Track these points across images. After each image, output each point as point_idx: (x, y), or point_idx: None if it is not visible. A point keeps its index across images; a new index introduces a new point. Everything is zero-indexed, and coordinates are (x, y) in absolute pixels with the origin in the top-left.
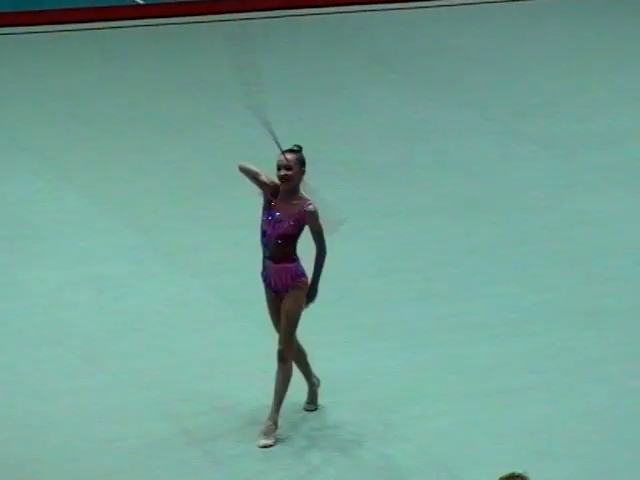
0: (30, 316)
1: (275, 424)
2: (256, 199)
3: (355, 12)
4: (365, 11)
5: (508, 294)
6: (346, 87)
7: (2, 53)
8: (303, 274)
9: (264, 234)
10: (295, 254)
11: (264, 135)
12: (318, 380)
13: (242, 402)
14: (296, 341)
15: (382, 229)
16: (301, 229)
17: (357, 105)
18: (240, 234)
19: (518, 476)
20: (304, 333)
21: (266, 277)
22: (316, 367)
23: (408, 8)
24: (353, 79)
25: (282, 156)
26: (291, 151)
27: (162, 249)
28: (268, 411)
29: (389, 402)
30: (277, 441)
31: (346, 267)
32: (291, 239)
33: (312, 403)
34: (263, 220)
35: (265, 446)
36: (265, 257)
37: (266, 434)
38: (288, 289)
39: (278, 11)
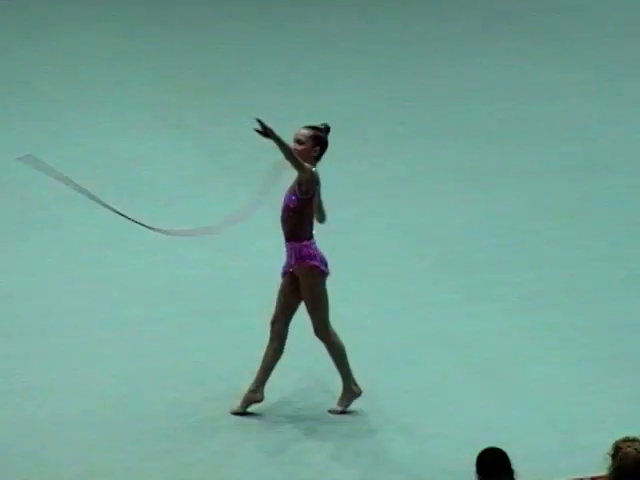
0: (152, 274)
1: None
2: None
3: None
4: None
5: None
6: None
7: (117, 8)
8: (312, 258)
9: None
10: (304, 234)
11: None
12: (359, 388)
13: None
14: (334, 335)
15: (488, 192)
16: (305, 203)
17: (471, 65)
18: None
19: (635, 440)
20: (420, 293)
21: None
22: (428, 327)
23: None
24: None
25: (299, 129)
26: (312, 127)
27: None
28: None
29: (500, 363)
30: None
31: (456, 229)
32: (294, 213)
33: (341, 405)
34: None
35: None
36: None
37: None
38: (296, 271)
39: None
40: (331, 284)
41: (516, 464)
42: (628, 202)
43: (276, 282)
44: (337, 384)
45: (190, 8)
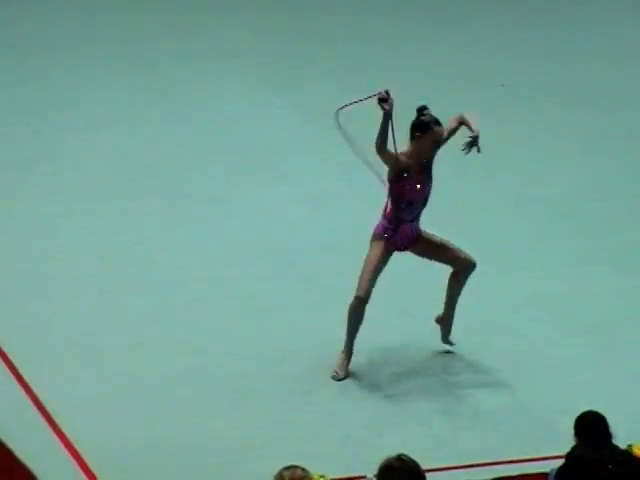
0: (248, 233)
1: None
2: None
3: None
4: None
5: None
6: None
7: None
8: (379, 227)
9: None
10: (387, 208)
11: None
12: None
13: None
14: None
15: (598, 153)
16: (393, 177)
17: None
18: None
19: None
20: (516, 255)
21: None
22: (526, 289)
23: None
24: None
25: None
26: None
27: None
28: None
29: (599, 326)
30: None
31: (564, 190)
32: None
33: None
34: None
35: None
36: None
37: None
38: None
39: None
40: None
41: (613, 427)
42: None
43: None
44: (431, 346)
45: None
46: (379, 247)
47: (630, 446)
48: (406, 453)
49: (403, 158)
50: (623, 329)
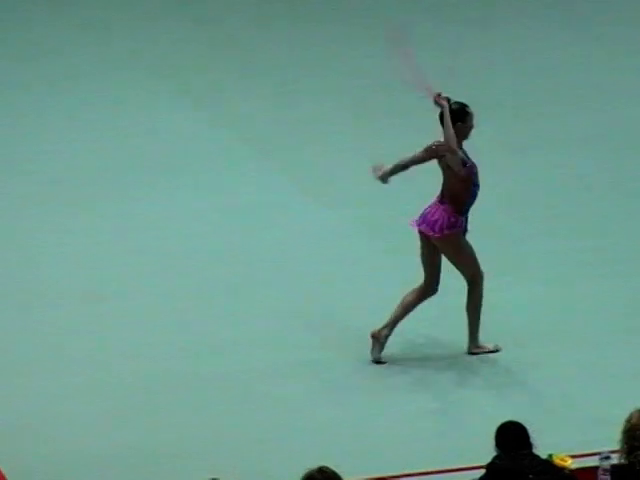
0: (167, 245)
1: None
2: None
3: None
4: None
5: None
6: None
7: None
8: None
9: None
10: (452, 202)
11: None
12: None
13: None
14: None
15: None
16: (459, 167)
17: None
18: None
19: None
20: None
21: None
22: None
23: None
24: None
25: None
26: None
27: (300, 180)
28: None
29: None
30: None
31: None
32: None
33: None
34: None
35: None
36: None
37: None
38: None
39: None
40: None
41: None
42: None
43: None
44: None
45: None
46: (462, 239)
47: (550, 456)
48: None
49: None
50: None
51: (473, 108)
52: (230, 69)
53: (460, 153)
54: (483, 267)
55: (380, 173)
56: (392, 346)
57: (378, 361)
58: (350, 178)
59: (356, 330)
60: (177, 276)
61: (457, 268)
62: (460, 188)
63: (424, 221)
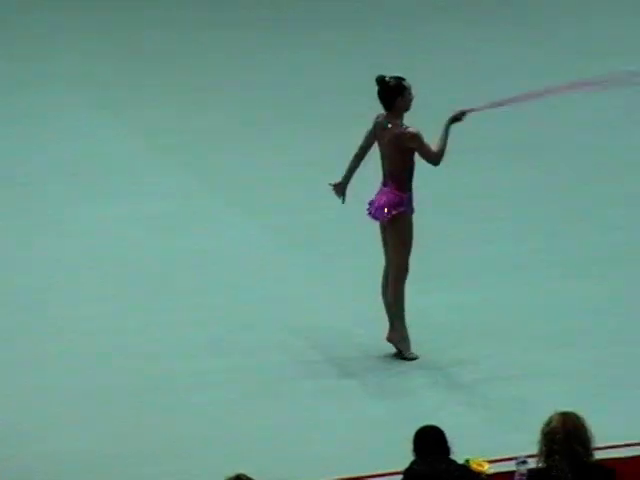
0: (89, 253)
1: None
2: (322, 136)
3: None
4: None
5: (581, 235)
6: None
7: None
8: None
9: None
10: (400, 183)
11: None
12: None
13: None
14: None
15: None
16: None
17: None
18: (303, 171)
19: (568, 412)
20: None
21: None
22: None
23: None
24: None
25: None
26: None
27: (220, 187)
28: None
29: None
30: None
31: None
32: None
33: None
34: None
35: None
36: None
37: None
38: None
39: None
40: None
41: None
42: None
43: None
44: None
45: None
46: (409, 224)
47: (467, 461)
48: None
49: None
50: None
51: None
52: (146, 78)
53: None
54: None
55: (337, 189)
56: (328, 349)
57: (412, 357)
58: (271, 186)
59: (279, 334)
60: (97, 284)
61: (390, 251)
62: (403, 166)
63: (374, 208)
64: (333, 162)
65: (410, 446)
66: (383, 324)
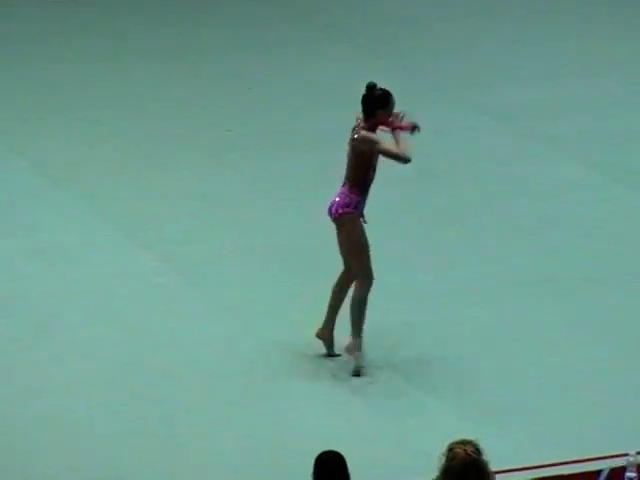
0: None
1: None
2: (213, 170)
3: None
4: None
5: (454, 264)
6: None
7: None
8: (348, 205)
9: None
10: (354, 185)
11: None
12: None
13: (193, 372)
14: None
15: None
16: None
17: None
18: (193, 205)
19: (468, 442)
20: None
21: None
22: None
23: None
24: (307, 50)
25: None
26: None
27: (113, 219)
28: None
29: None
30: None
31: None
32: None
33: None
34: None
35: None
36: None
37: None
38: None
39: None
40: None
41: None
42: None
43: None
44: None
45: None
46: (358, 226)
47: None
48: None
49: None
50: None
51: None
52: (39, 111)
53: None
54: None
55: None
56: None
57: (356, 372)
58: (163, 217)
59: (175, 364)
60: None
61: (345, 258)
62: (362, 169)
63: (329, 205)
64: (225, 194)
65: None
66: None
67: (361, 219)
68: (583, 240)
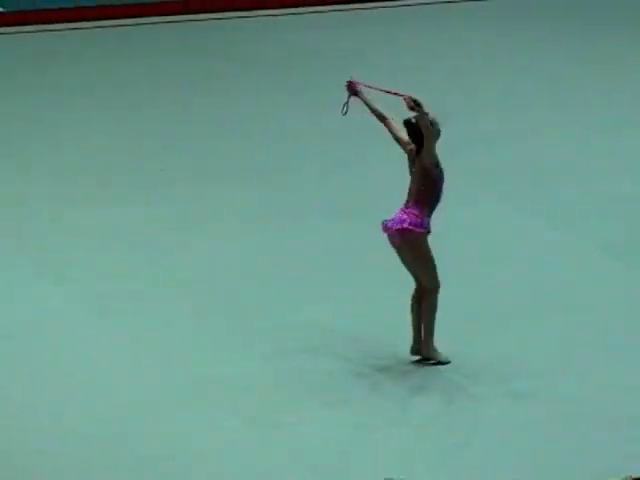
0: None
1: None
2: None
3: (229, 19)
4: (239, 17)
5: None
6: (222, 93)
7: None
8: (419, 224)
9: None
10: (421, 203)
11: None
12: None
13: (111, 415)
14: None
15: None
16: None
17: (228, 109)
18: (106, 242)
19: None
20: None
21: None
22: None
23: (281, 15)
24: (228, 84)
25: None
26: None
27: (29, 255)
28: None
29: None
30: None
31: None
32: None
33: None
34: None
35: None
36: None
37: None
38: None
39: (146, 18)
40: None
41: None
42: None
43: None
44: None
45: None
46: (426, 242)
47: None
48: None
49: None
50: None
51: None
52: None
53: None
54: None
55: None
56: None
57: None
58: (80, 253)
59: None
60: None
61: (415, 273)
62: (427, 189)
63: (391, 225)
64: (146, 230)
65: None
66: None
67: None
68: None
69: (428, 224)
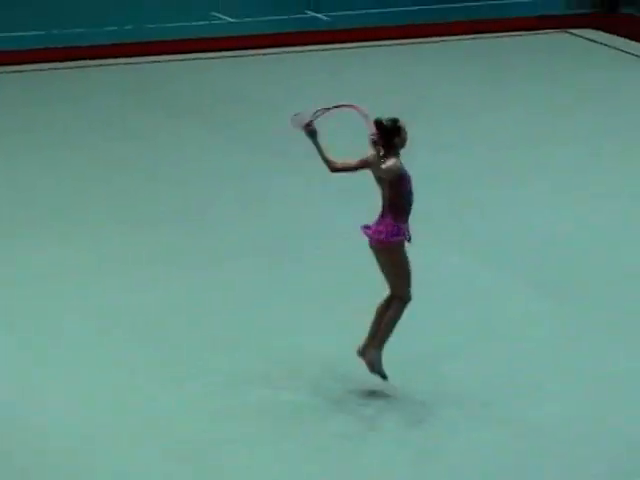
0: None
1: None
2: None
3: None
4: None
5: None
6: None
7: None
8: (395, 234)
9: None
10: (395, 212)
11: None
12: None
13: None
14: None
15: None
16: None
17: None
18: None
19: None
20: None
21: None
22: None
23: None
24: (151, 126)
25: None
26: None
27: None
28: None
29: None
30: None
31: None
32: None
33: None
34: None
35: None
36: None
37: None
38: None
39: (73, 62)
40: None
41: None
42: None
43: None
44: None
45: None
46: (403, 251)
47: None
48: None
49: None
50: None
51: None
52: None
53: (399, 164)
54: None
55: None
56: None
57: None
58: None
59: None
60: None
61: (390, 280)
62: (397, 194)
63: (370, 235)
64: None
65: None
66: None
67: (407, 242)
68: None
69: (406, 231)
